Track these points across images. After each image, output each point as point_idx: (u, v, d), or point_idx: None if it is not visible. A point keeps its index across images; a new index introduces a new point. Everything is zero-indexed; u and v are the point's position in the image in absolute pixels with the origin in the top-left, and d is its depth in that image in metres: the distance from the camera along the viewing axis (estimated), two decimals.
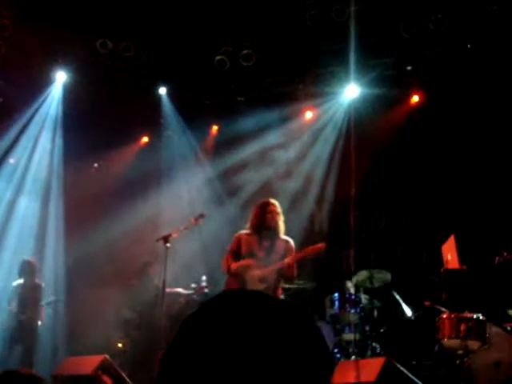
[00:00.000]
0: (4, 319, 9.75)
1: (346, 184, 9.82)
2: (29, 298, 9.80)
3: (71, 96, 11.12)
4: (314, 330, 1.16)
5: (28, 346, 9.66)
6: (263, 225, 7.32)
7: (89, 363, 7.65)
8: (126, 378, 7.73)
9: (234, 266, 7.21)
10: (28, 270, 9.96)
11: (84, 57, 10.55)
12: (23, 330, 9.65)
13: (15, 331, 9.63)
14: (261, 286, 7.13)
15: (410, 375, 6.72)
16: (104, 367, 7.55)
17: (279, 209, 7.47)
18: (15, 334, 9.63)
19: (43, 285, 10.11)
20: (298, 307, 1.19)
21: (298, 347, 1.12)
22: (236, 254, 7.33)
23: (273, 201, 7.51)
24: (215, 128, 12.33)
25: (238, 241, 7.38)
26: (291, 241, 7.39)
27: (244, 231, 7.45)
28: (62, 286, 11.33)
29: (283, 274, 7.24)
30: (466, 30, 9.59)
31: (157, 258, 9.51)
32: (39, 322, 9.92)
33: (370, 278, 8.93)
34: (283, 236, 7.40)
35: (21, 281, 9.96)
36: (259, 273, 7.19)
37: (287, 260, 7.14)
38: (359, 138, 10.37)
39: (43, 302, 10.01)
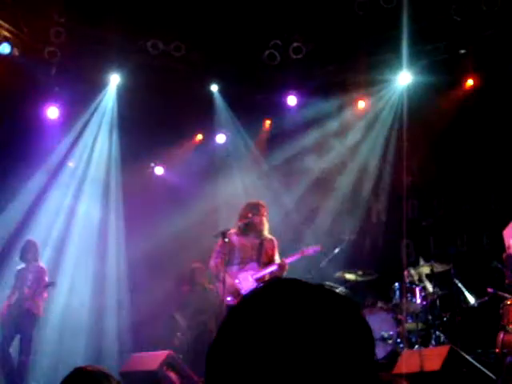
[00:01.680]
0: (4, 307, 9.30)
1: (403, 173, 9.72)
2: (33, 282, 9.36)
3: (125, 98, 11.29)
4: (357, 318, 1.16)
5: (30, 334, 9.22)
6: (252, 226, 7.50)
7: (154, 359, 7.78)
8: (191, 372, 7.84)
9: (222, 272, 7.36)
10: (31, 252, 9.52)
11: (136, 58, 10.69)
12: (26, 317, 9.17)
13: (18, 319, 9.13)
14: (253, 284, 7.30)
15: (475, 363, 6.63)
16: (169, 363, 7.68)
17: (266, 210, 7.77)
18: (18, 321, 9.13)
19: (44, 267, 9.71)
20: (341, 295, 1.19)
21: (341, 337, 1.12)
22: (224, 255, 7.47)
23: (260, 202, 7.76)
24: (268, 123, 12.34)
25: (229, 242, 7.51)
26: (275, 239, 7.70)
27: (232, 230, 7.60)
28: (124, 286, 11.55)
29: (274, 273, 7.50)
30: None
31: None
32: (41, 308, 9.45)
33: (431, 267, 8.83)
34: (268, 235, 7.71)
35: (23, 265, 9.54)
36: (252, 273, 7.40)
37: (286, 260, 7.44)
38: (414, 125, 10.23)
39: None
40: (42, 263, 9.73)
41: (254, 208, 7.68)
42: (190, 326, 10.07)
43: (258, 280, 7.43)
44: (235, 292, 7.35)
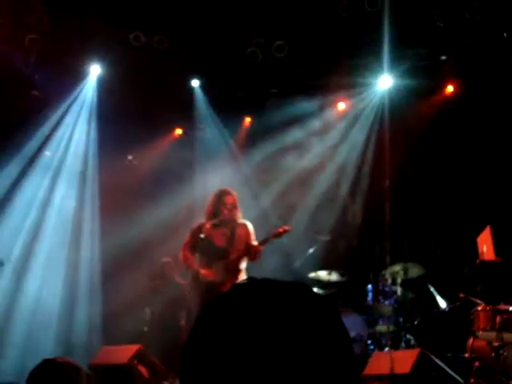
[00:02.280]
0: None
1: (380, 175, 9.79)
2: None
3: (105, 89, 11.22)
4: (333, 315, 1.16)
5: None
6: (221, 214, 7.39)
7: (124, 353, 7.75)
8: (161, 366, 7.82)
9: (193, 266, 7.37)
10: None
11: (117, 50, 10.62)
12: None
13: None
14: (226, 277, 7.25)
15: (444, 367, 6.69)
16: (139, 356, 7.65)
17: (235, 197, 7.57)
18: None
19: None
20: (316, 293, 1.18)
21: (317, 333, 1.12)
22: (193, 247, 7.45)
23: (229, 190, 7.59)
24: (248, 120, 12.35)
25: (198, 232, 7.45)
26: (249, 223, 7.49)
27: (201, 221, 7.55)
28: (97, 277, 11.48)
29: (249, 257, 7.37)
30: (502, 19, 9.44)
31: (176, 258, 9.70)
32: None
33: (404, 270, 8.89)
34: (241, 220, 7.51)
35: None
36: (223, 263, 7.31)
37: (254, 246, 7.28)
38: (393, 128, 10.30)
39: None
40: None
41: (219, 196, 7.57)
42: (159, 320, 10.04)
43: (229, 269, 7.35)
44: (208, 283, 7.31)
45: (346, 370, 1.11)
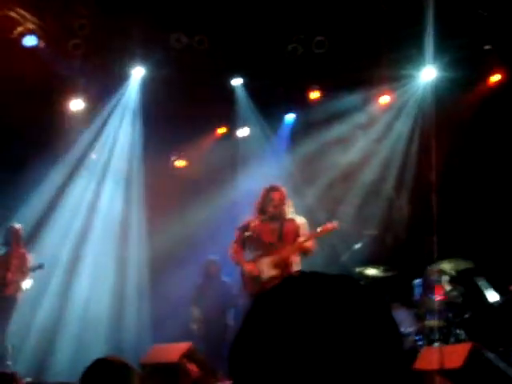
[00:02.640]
0: None
1: (426, 169, 9.65)
2: (15, 267, 9.29)
3: (148, 91, 11.32)
4: (383, 309, 1.14)
5: (8, 319, 9.16)
6: (269, 210, 7.39)
7: (175, 351, 7.81)
8: (211, 365, 7.86)
9: (243, 264, 7.39)
10: (15, 238, 9.45)
11: (159, 51, 10.71)
12: (8, 302, 9.15)
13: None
14: (274, 272, 7.23)
15: (497, 362, 6.57)
16: (189, 355, 7.70)
17: (283, 192, 7.56)
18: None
19: (28, 254, 9.61)
20: (366, 286, 1.17)
21: (368, 327, 1.10)
22: (242, 243, 7.54)
23: (276, 186, 7.57)
24: (290, 117, 12.32)
25: (245, 229, 7.47)
26: (300, 218, 7.49)
27: (251, 217, 7.55)
28: (145, 277, 11.61)
29: (301, 254, 7.35)
30: None
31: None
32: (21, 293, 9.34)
33: (453, 264, 8.77)
34: (291, 216, 7.46)
35: (4, 250, 9.49)
36: (271, 258, 7.30)
37: (298, 242, 7.23)
38: (437, 120, 10.15)
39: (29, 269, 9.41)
40: (24, 249, 9.61)
41: (267, 192, 7.59)
42: (205, 318, 10.09)
43: (276, 265, 7.37)
44: (255, 279, 7.35)
45: (397, 362, 1.10)
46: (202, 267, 10.57)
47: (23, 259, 9.37)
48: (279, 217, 7.50)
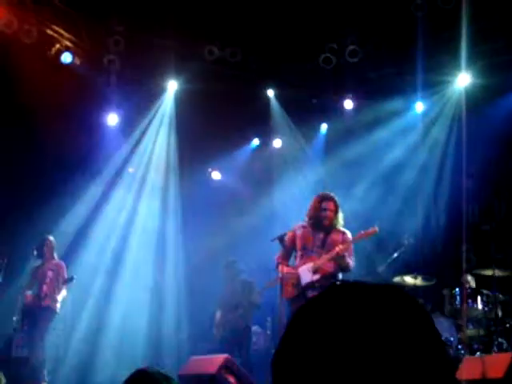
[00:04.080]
0: (22, 304, 9.24)
1: (462, 176, 9.55)
2: (52, 279, 9.32)
3: (183, 103, 11.43)
4: (426, 318, 1.13)
5: (46, 330, 9.20)
6: (319, 219, 7.38)
7: (213, 362, 7.81)
8: (249, 376, 7.85)
9: (282, 269, 7.40)
10: (49, 249, 9.51)
11: (193, 65, 10.81)
12: (45, 313, 9.16)
13: (36, 316, 9.10)
14: (314, 277, 7.22)
15: None
16: (227, 366, 7.70)
17: (336, 203, 7.53)
18: (36, 318, 9.09)
19: (63, 265, 9.61)
20: (409, 296, 1.15)
21: (413, 337, 1.09)
22: (290, 249, 7.55)
23: (330, 195, 7.56)
24: (324, 126, 12.31)
25: (293, 236, 7.54)
26: (348, 232, 7.43)
27: (301, 223, 7.54)
28: (182, 288, 11.67)
29: (339, 264, 7.27)
30: None
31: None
32: (59, 304, 9.37)
33: (492, 272, 8.63)
34: (340, 228, 7.47)
35: (39, 262, 9.55)
36: (311, 264, 7.29)
37: (337, 249, 7.19)
38: (474, 127, 10.04)
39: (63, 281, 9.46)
40: (58, 259, 9.66)
41: (320, 202, 7.59)
42: (227, 321, 10.05)
43: (315, 271, 7.36)
44: (293, 285, 7.37)
45: (443, 373, 1.09)
46: (225, 269, 10.45)
47: (58, 271, 9.45)
48: (329, 226, 7.49)
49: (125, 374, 3.31)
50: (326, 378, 1.05)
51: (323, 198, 7.59)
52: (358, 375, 1.03)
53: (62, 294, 9.42)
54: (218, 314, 10.23)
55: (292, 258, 7.73)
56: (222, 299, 10.32)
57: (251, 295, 10.04)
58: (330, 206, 7.51)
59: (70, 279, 9.54)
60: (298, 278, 7.42)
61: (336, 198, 7.62)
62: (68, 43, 10.22)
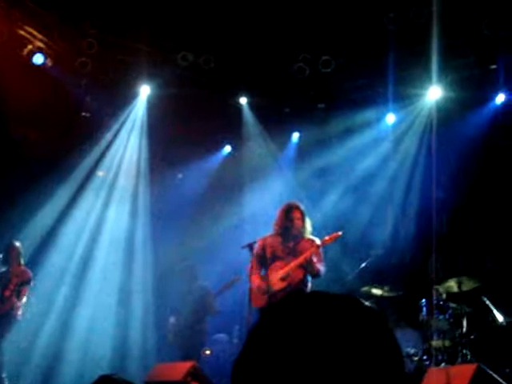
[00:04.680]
0: None
1: (431, 188, 9.65)
2: (13, 285, 9.08)
3: (155, 108, 11.39)
4: (385, 330, 1.14)
5: (7, 336, 9.02)
6: (287, 228, 7.47)
7: (178, 370, 7.79)
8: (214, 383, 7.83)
9: (254, 280, 7.44)
10: (15, 255, 9.30)
11: (166, 70, 10.78)
12: (7, 320, 8.97)
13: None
14: (282, 285, 7.30)
15: (503, 382, 6.52)
16: (194, 373, 7.67)
17: (303, 211, 7.64)
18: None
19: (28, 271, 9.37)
20: (368, 306, 1.17)
21: (369, 348, 1.10)
22: (261, 258, 7.57)
23: (296, 204, 7.68)
24: (296, 135, 12.36)
25: (263, 245, 7.62)
26: (317, 239, 7.52)
27: (269, 234, 7.63)
28: (150, 294, 11.60)
29: (308, 271, 7.37)
30: None
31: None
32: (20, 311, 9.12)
33: (459, 284, 8.73)
34: (309, 236, 7.56)
35: (5, 268, 9.30)
36: (281, 272, 7.37)
37: (304, 255, 7.29)
38: (444, 140, 10.16)
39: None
40: (25, 267, 9.45)
41: (287, 211, 7.65)
42: (181, 325, 9.94)
43: (284, 279, 7.41)
44: (262, 293, 7.38)
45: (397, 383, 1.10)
46: (182, 273, 10.35)
47: (22, 277, 9.24)
48: (297, 235, 7.55)
49: (90, 379, 3.28)
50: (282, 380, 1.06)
51: (289, 208, 7.67)
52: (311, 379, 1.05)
53: (23, 300, 9.17)
54: (173, 319, 10.09)
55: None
56: (177, 304, 10.17)
57: (207, 301, 9.92)
58: (297, 214, 7.60)
59: (27, 282, 9.23)
60: (267, 287, 7.44)
61: (302, 207, 7.70)
62: (40, 44, 10.11)
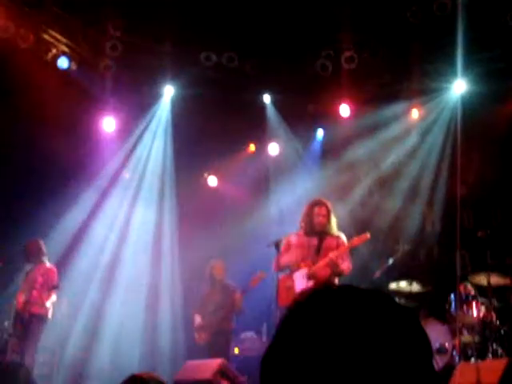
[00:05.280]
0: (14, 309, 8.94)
1: (458, 182, 9.56)
2: (43, 285, 9.01)
3: (179, 109, 11.44)
4: (415, 326, 1.14)
5: (38, 338, 8.92)
6: (311, 225, 7.43)
7: (208, 367, 7.81)
8: (245, 381, 7.85)
9: (281, 278, 7.39)
10: (39, 253, 9.20)
11: (189, 70, 10.82)
12: (35, 321, 8.87)
13: (27, 323, 8.81)
14: (309, 284, 7.25)
15: None
16: (222, 371, 7.70)
17: (328, 208, 7.59)
18: (27, 325, 8.80)
19: (54, 270, 9.26)
20: (397, 303, 1.16)
21: (399, 344, 1.10)
22: (287, 256, 7.54)
23: (322, 200, 7.62)
24: (321, 132, 12.33)
25: (288, 242, 7.60)
26: (342, 235, 7.46)
27: (294, 231, 7.60)
28: (178, 294, 11.65)
29: (333, 270, 7.33)
30: None
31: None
32: (48, 310, 9.02)
33: (488, 279, 8.64)
34: (335, 232, 7.49)
35: (31, 266, 9.23)
36: (307, 270, 7.32)
37: (330, 255, 7.24)
38: (470, 134, 10.06)
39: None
40: (50, 264, 9.35)
41: (313, 207, 7.63)
42: (207, 325, 9.89)
43: (310, 278, 7.40)
44: (289, 291, 7.37)
45: (427, 379, 1.10)
46: (206, 272, 10.18)
47: (48, 276, 9.14)
48: (322, 232, 7.53)
49: (120, 379, 3.31)
50: (312, 382, 1.06)
51: (315, 204, 7.65)
52: (343, 381, 1.05)
53: (52, 300, 9.08)
54: (198, 318, 10.03)
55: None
56: (200, 303, 10.14)
57: (233, 300, 9.79)
58: (322, 211, 7.57)
59: (56, 286, 9.16)
60: (293, 285, 7.43)
61: (328, 203, 7.67)
62: (64, 48, 10.22)
